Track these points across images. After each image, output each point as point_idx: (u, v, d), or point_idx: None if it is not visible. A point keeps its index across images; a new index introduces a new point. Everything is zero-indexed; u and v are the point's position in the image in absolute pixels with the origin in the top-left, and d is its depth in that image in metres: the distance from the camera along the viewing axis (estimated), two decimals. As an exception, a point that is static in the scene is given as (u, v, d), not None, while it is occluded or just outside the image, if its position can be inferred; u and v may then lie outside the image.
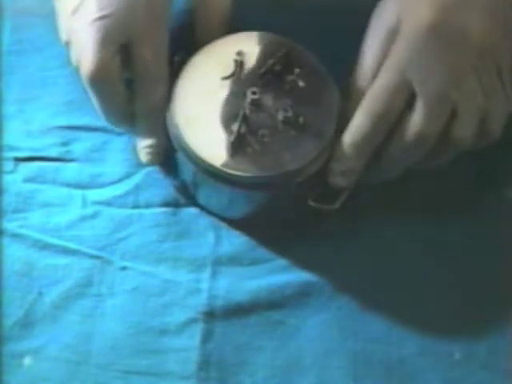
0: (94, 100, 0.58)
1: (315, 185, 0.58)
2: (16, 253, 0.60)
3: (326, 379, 0.58)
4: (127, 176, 0.63)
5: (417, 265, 0.61)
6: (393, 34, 0.56)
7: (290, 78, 0.58)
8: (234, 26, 0.61)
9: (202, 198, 0.62)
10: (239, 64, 0.58)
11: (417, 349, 0.58)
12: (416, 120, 0.55)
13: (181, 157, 0.58)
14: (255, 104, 0.57)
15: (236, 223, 0.62)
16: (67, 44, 0.58)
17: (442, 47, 0.55)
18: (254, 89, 0.57)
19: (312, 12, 0.65)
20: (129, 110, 0.58)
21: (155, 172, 0.63)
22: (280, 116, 0.57)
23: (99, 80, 0.56)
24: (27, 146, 0.64)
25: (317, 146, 0.57)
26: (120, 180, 0.63)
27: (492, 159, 0.63)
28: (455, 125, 0.55)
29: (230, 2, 0.60)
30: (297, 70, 0.58)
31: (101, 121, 0.64)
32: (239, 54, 0.59)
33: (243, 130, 0.56)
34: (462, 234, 0.62)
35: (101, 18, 0.55)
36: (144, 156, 0.60)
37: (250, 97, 0.57)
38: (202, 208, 0.62)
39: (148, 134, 0.60)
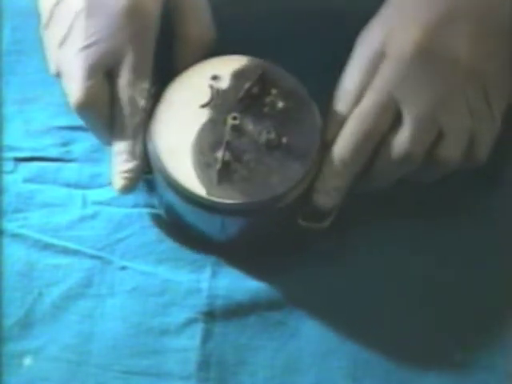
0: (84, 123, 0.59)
1: (304, 204, 0.58)
2: (16, 253, 0.60)
3: (326, 379, 0.58)
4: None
5: (416, 265, 0.61)
6: (379, 57, 0.56)
7: (268, 99, 0.58)
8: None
9: (187, 226, 0.61)
10: (215, 90, 0.58)
11: (416, 349, 0.58)
12: (402, 139, 0.55)
13: (163, 188, 0.58)
14: (236, 130, 0.57)
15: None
16: (57, 75, 0.59)
17: (430, 69, 0.55)
18: (234, 114, 0.57)
19: (298, 18, 0.66)
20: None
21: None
22: (263, 139, 0.56)
23: (86, 107, 0.57)
24: (27, 146, 0.64)
25: (303, 166, 0.56)
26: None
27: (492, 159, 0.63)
28: (442, 146, 0.56)
29: (214, 33, 0.61)
30: (274, 91, 0.58)
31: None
32: (215, 79, 0.58)
33: (227, 157, 0.56)
34: (461, 235, 0.62)
35: (86, 46, 0.56)
36: (119, 181, 0.58)
37: (230, 123, 0.56)
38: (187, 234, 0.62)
39: (128, 155, 0.58)
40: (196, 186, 0.56)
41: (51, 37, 0.58)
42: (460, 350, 0.58)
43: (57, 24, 0.58)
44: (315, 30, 0.66)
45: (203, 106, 0.58)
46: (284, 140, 0.57)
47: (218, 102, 0.58)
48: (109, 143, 0.59)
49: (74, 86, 0.56)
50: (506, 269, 0.60)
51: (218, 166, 0.56)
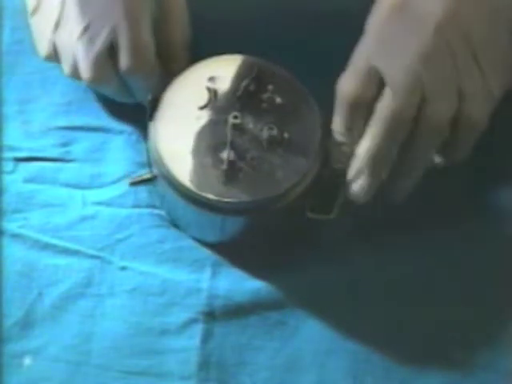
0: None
1: (311, 196, 0.58)
2: (16, 253, 0.60)
3: (326, 379, 0.58)
4: (127, 176, 0.63)
5: (417, 266, 0.61)
6: None
7: (265, 95, 0.58)
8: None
9: (192, 230, 0.61)
10: (213, 91, 0.58)
11: (416, 348, 0.58)
12: (386, 102, 0.55)
13: (166, 191, 0.58)
14: (238, 128, 0.57)
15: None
16: (49, 57, 0.60)
17: (406, 27, 0.55)
18: (235, 113, 0.57)
19: (299, 19, 0.66)
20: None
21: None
22: (265, 135, 0.57)
23: (98, 82, 0.59)
24: (27, 147, 0.64)
25: (307, 159, 0.57)
26: (120, 180, 0.63)
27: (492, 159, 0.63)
28: (430, 106, 0.55)
29: (188, 27, 0.62)
30: (270, 87, 0.58)
31: (101, 121, 0.65)
32: (211, 80, 0.58)
33: (232, 157, 0.56)
34: (461, 235, 0.61)
35: (85, 28, 0.58)
36: None
37: (231, 122, 0.57)
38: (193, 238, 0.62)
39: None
40: (202, 188, 0.56)
41: (43, 22, 0.59)
42: (460, 349, 0.58)
43: (47, 8, 0.59)
44: (316, 30, 0.66)
45: (202, 108, 0.58)
46: (286, 135, 0.57)
47: (217, 103, 0.58)
48: (125, 100, 0.61)
49: (84, 69, 0.59)
50: (506, 269, 0.60)
51: (224, 166, 0.56)
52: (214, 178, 0.56)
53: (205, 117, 0.58)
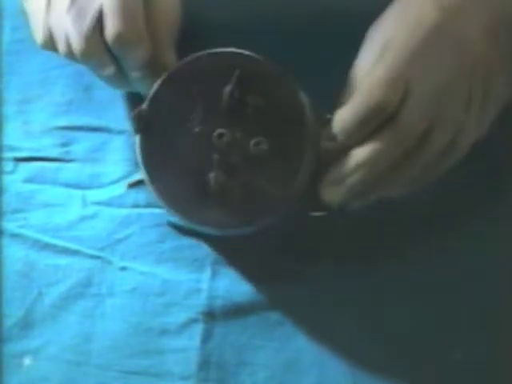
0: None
1: (311, 197, 0.57)
2: (16, 253, 0.61)
3: (326, 379, 0.58)
4: (127, 176, 0.63)
5: (416, 265, 0.61)
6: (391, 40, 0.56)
7: (251, 99, 0.56)
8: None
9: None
10: (197, 103, 0.56)
11: (416, 348, 0.58)
12: (406, 114, 0.54)
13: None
14: (224, 144, 0.55)
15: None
16: (46, 43, 0.58)
17: (442, 48, 0.55)
18: (220, 130, 0.55)
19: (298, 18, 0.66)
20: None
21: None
22: (252, 146, 0.55)
23: (89, 56, 0.57)
24: (27, 147, 0.64)
25: (298, 165, 0.55)
26: (120, 180, 0.63)
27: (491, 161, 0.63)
28: (434, 132, 0.55)
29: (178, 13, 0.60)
30: (256, 89, 0.56)
31: (101, 121, 0.65)
32: (194, 86, 0.56)
33: (221, 178, 0.55)
34: (461, 235, 0.61)
35: (72, 3, 0.56)
36: None
37: (217, 142, 0.55)
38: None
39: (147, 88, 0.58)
40: (192, 216, 0.56)
41: (35, 6, 0.59)
42: (460, 348, 0.58)
43: None
44: (316, 30, 0.66)
45: (187, 121, 0.56)
46: (275, 142, 0.55)
47: (201, 113, 0.56)
48: (117, 86, 0.60)
49: (74, 41, 0.57)
50: (506, 268, 0.60)
51: (215, 188, 0.55)
52: (203, 201, 0.55)
53: (189, 130, 0.56)
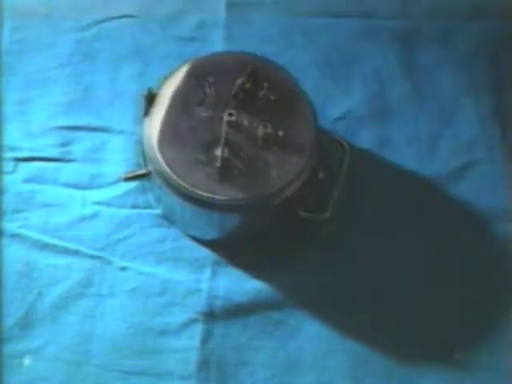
0: None
1: (305, 196, 0.58)
2: (16, 253, 0.61)
3: (326, 379, 0.58)
4: (127, 176, 0.63)
5: (416, 266, 0.61)
6: None
7: (261, 93, 0.58)
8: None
9: (189, 227, 0.61)
10: (209, 88, 0.58)
11: (417, 349, 0.58)
12: None
13: (161, 189, 0.58)
14: (233, 126, 0.57)
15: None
16: None
17: None
18: (230, 111, 0.57)
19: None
20: None
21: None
22: (260, 133, 0.57)
23: None
24: (27, 147, 0.64)
25: (301, 158, 0.57)
26: (120, 180, 0.63)
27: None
28: None
29: None
30: (266, 84, 0.59)
31: (101, 121, 0.65)
32: (207, 77, 0.59)
33: (226, 154, 0.56)
34: (461, 235, 0.62)
35: None
36: None
37: (226, 119, 0.57)
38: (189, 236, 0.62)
39: None
40: (196, 185, 0.56)
41: None
42: (460, 348, 0.58)
43: None
44: (314, 30, 0.66)
45: (198, 105, 0.58)
46: (280, 133, 0.57)
47: (212, 100, 0.58)
48: None
49: None
50: (506, 268, 0.60)
51: (218, 163, 0.56)
52: (208, 175, 0.56)
53: (200, 113, 0.58)
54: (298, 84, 0.59)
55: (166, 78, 0.59)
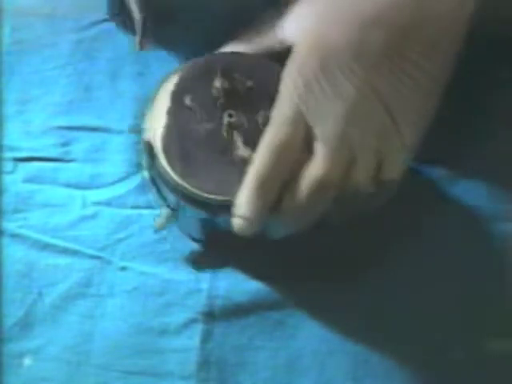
0: None
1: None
2: (16, 253, 0.61)
3: (326, 379, 0.58)
4: (127, 176, 0.63)
5: (416, 266, 0.61)
6: None
7: (239, 84, 0.58)
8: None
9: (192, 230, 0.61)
10: (194, 106, 0.58)
11: (416, 349, 0.58)
12: (316, 164, 0.54)
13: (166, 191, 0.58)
14: (233, 127, 0.57)
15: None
16: None
17: (333, 78, 0.54)
18: (230, 111, 0.57)
19: None
20: None
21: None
22: (260, 120, 0.57)
23: None
24: (27, 147, 0.64)
25: None
26: (120, 180, 0.63)
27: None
28: (353, 170, 0.55)
29: None
30: (245, 77, 0.58)
31: (101, 121, 0.65)
32: (185, 95, 0.58)
33: (246, 153, 0.56)
34: (461, 235, 0.62)
35: None
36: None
37: (227, 121, 0.57)
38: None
39: None
40: (202, 189, 0.56)
41: None
42: (460, 349, 0.58)
43: None
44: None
45: (199, 108, 0.58)
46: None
47: (206, 115, 0.58)
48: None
49: None
50: (505, 268, 0.60)
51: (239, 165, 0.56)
52: (228, 178, 0.56)
53: (201, 117, 0.58)
54: (271, 63, 0.59)
55: (163, 81, 0.59)
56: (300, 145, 0.55)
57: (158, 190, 0.59)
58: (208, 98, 0.58)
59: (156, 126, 0.57)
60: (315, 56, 0.54)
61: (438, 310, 0.59)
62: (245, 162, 0.56)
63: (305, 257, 0.60)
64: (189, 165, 0.56)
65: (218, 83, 0.58)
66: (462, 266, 0.61)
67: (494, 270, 0.61)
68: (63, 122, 0.65)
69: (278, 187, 0.55)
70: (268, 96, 0.57)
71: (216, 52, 0.60)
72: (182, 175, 0.56)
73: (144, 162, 0.59)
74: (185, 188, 0.56)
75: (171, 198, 0.58)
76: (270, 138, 0.55)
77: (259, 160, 0.55)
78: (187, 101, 0.58)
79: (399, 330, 0.59)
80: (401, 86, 0.55)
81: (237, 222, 0.55)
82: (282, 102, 0.55)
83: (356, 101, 0.54)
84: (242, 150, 0.56)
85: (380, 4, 0.54)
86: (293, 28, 0.58)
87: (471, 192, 0.63)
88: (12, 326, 0.58)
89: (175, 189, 0.56)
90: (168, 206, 0.59)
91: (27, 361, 0.58)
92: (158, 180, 0.58)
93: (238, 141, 0.57)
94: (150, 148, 0.57)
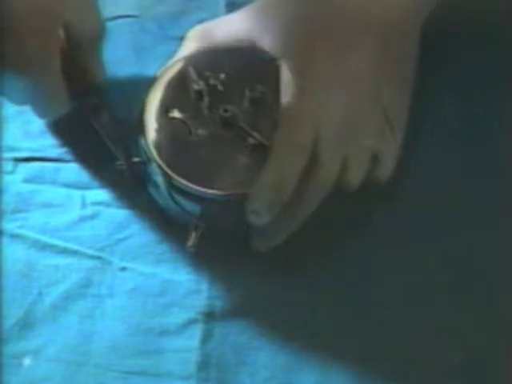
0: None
1: None
2: (16, 253, 0.61)
3: (326, 379, 0.58)
4: (120, 180, 0.63)
5: (416, 265, 0.61)
6: None
7: (211, 77, 0.58)
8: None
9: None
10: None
11: (416, 351, 0.58)
12: (319, 165, 0.56)
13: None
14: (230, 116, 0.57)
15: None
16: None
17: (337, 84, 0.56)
18: (226, 106, 0.57)
19: None
20: None
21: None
22: (248, 98, 0.57)
23: None
24: (27, 147, 0.64)
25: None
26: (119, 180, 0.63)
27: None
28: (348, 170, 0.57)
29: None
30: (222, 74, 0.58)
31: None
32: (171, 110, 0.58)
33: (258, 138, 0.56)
34: (461, 235, 0.61)
35: None
36: None
37: (223, 115, 0.57)
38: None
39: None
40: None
41: None
42: (460, 350, 0.58)
43: None
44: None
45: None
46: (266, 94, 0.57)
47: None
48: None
49: None
50: (506, 268, 0.60)
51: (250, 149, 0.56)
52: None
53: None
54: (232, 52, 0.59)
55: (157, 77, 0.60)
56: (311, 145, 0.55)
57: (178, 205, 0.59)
58: (193, 103, 0.58)
59: (152, 147, 0.57)
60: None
61: (437, 310, 0.59)
62: (261, 148, 0.56)
63: (304, 256, 0.61)
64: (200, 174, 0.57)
65: (196, 86, 0.58)
66: (462, 265, 0.61)
67: (495, 269, 0.61)
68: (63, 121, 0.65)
69: (294, 184, 0.56)
70: (242, 80, 0.58)
71: (174, 61, 0.60)
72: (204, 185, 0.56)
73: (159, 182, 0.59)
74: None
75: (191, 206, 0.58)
76: (285, 136, 0.56)
77: (276, 158, 0.55)
78: (176, 114, 0.58)
79: (399, 331, 0.59)
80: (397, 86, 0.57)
81: (251, 216, 0.56)
82: (294, 102, 0.56)
83: (358, 102, 0.55)
84: (254, 137, 0.57)
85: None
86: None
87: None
88: (12, 326, 0.58)
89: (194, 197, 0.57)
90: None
91: (27, 361, 0.58)
92: (176, 197, 0.58)
93: (245, 130, 0.57)
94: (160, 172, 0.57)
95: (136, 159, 0.60)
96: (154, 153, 0.57)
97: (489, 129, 0.64)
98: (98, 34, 0.62)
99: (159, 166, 0.57)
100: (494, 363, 0.57)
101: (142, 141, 0.58)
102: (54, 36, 0.58)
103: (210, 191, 0.56)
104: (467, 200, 0.62)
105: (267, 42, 0.57)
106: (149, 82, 0.60)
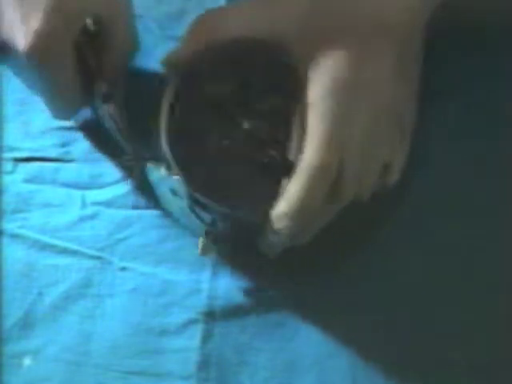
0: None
1: None
2: (16, 253, 0.61)
3: (326, 380, 0.58)
4: (127, 177, 0.63)
5: (416, 267, 0.61)
6: None
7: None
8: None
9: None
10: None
11: (417, 352, 0.58)
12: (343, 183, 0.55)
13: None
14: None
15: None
16: None
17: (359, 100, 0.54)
18: (239, 120, 0.57)
19: None
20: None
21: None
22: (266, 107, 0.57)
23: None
24: (26, 147, 0.64)
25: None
26: (119, 180, 0.63)
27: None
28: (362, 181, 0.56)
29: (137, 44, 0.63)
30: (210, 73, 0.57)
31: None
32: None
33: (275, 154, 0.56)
34: (461, 235, 0.61)
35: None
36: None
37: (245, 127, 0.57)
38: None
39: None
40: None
41: None
42: (460, 350, 0.58)
43: None
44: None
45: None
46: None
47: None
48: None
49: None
50: (506, 268, 0.60)
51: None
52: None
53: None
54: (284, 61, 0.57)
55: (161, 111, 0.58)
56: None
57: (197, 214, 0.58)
58: (211, 112, 0.57)
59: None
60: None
61: (437, 310, 0.59)
62: (283, 164, 0.55)
63: (305, 258, 0.61)
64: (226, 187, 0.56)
65: (211, 91, 0.57)
66: (462, 265, 0.61)
67: (495, 269, 0.61)
68: (63, 122, 0.65)
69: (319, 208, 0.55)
70: (262, 88, 0.57)
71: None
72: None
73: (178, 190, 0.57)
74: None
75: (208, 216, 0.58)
76: (310, 160, 0.54)
77: (302, 184, 0.54)
78: (193, 120, 0.57)
79: (399, 331, 0.59)
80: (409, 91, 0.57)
81: (271, 234, 0.56)
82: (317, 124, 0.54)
83: (379, 115, 0.55)
84: (274, 151, 0.56)
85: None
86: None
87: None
88: (12, 326, 0.58)
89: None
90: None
91: (27, 361, 0.58)
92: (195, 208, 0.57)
93: (266, 142, 0.56)
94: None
95: (147, 155, 0.59)
96: (172, 163, 0.56)
97: (489, 129, 0.64)
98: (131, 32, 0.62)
99: (179, 177, 0.55)
100: (494, 363, 0.58)
101: (162, 148, 0.57)
102: (72, 36, 0.57)
103: (232, 211, 0.56)
104: (467, 200, 0.62)
105: (284, 33, 0.55)
106: (151, 82, 0.60)
